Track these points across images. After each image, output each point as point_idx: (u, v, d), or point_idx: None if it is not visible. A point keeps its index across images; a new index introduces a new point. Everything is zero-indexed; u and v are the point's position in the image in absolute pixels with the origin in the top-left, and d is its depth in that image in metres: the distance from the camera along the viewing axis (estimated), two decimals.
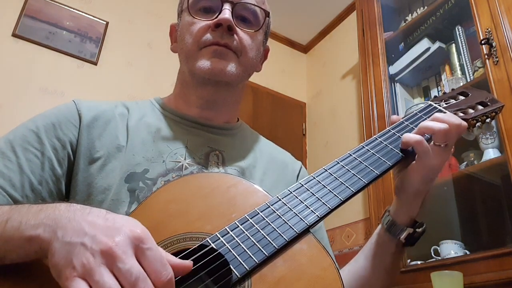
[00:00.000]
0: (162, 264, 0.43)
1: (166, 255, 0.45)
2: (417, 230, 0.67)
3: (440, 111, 0.70)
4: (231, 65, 0.75)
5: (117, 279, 0.40)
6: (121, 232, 0.43)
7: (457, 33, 1.91)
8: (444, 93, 0.80)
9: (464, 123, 0.65)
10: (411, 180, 0.65)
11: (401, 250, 0.69)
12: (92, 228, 0.43)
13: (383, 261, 0.69)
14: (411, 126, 0.68)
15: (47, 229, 0.45)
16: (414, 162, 0.64)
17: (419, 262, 1.63)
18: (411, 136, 0.63)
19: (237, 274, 0.49)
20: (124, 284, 0.40)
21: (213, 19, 0.75)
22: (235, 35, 0.76)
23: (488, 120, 0.73)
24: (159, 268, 0.42)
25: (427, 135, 0.64)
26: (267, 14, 0.82)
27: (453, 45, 1.94)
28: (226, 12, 0.75)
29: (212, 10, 0.77)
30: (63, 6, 2.46)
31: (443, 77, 1.99)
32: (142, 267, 0.42)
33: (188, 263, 0.47)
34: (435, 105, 0.73)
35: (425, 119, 0.68)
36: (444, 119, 0.63)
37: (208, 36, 0.75)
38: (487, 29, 1.62)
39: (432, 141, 0.64)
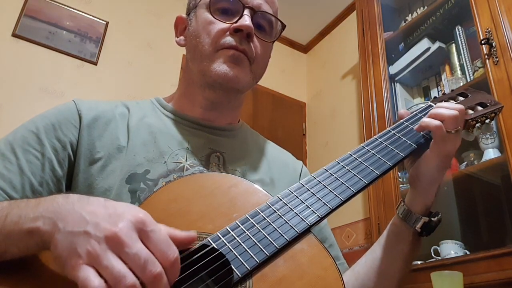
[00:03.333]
0: (167, 245, 0.44)
1: (169, 231, 0.46)
2: (432, 219, 0.67)
3: None
4: (245, 72, 0.75)
5: (125, 264, 0.41)
6: (123, 217, 0.43)
7: (457, 33, 1.92)
8: (444, 94, 0.80)
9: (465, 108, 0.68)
10: (427, 169, 0.66)
11: (418, 239, 0.70)
12: (94, 217, 0.43)
13: (401, 251, 0.70)
14: (411, 126, 0.68)
15: (47, 222, 0.45)
16: (428, 150, 0.66)
17: (419, 262, 1.63)
18: (431, 121, 0.64)
19: (238, 274, 0.49)
20: (134, 268, 0.41)
21: (233, 23, 0.74)
22: (251, 43, 0.76)
23: (487, 121, 0.73)
24: (164, 248, 0.43)
25: None
26: (283, 26, 0.82)
27: (453, 45, 1.95)
28: (247, 19, 0.74)
29: (231, 13, 0.76)
30: (63, 6, 2.46)
31: (443, 77, 1.99)
32: (148, 249, 0.42)
33: (193, 234, 0.48)
34: (434, 106, 0.73)
35: None
36: (451, 107, 0.66)
37: (227, 38, 0.74)
38: (487, 29, 1.62)
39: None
